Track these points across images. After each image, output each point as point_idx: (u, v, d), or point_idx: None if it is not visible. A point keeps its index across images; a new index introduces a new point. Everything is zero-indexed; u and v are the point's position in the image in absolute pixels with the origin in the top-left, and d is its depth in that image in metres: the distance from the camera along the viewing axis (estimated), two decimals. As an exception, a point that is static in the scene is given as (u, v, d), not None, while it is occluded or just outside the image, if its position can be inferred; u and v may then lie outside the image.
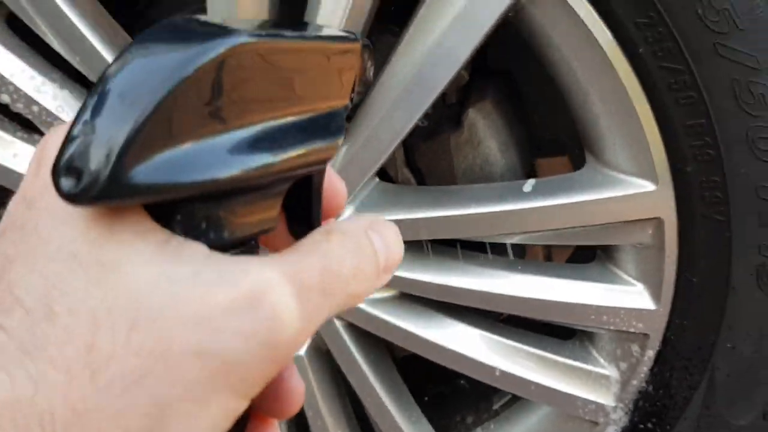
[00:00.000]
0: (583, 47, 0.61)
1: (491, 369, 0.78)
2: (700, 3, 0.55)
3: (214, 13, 0.62)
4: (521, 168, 0.79)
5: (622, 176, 0.67)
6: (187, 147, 0.23)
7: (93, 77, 0.70)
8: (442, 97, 0.78)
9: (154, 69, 0.22)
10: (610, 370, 0.78)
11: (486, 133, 0.76)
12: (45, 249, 0.23)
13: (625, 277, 0.73)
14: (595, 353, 0.79)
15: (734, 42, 0.56)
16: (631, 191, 0.66)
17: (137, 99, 0.21)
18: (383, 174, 0.79)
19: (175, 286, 0.22)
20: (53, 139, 0.26)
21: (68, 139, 0.22)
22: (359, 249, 0.27)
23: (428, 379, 0.95)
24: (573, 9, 0.59)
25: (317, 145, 0.28)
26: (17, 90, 0.72)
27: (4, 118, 0.76)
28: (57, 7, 0.67)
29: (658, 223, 0.67)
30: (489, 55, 0.88)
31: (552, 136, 0.90)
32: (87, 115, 0.22)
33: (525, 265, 0.76)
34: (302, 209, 0.31)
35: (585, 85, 0.64)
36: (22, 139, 0.76)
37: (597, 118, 0.65)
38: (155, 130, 0.21)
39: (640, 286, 0.72)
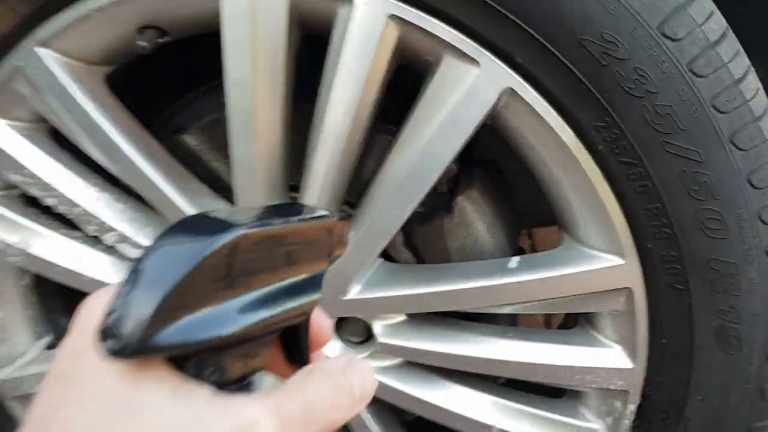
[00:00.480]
0: (553, 146, 0.71)
1: (488, 427, 0.86)
2: (646, 109, 0.65)
3: (234, 115, 0.72)
4: (508, 245, 0.88)
5: (594, 252, 0.76)
6: (198, 314, 0.30)
7: (128, 182, 0.80)
8: (434, 187, 0.88)
9: (173, 259, 0.29)
10: (597, 425, 0.86)
11: (474, 217, 0.86)
12: (88, 394, 0.30)
13: (605, 340, 0.82)
14: (583, 410, 0.87)
15: (678, 140, 0.66)
16: (602, 265, 0.75)
17: (160, 282, 0.29)
18: (386, 255, 0.88)
19: (184, 425, 0.30)
20: (94, 303, 0.33)
21: (110, 310, 0.29)
22: (336, 385, 0.35)
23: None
24: (542, 116, 0.69)
25: (301, 302, 0.36)
26: (61, 195, 0.82)
27: (47, 216, 0.86)
28: (95, 123, 0.77)
29: (628, 292, 0.76)
30: (474, 147, 0.98)
31: (544, 208, 1.00)
32: (124, 293, 0.29)
33: (515, 332, 0.85)
34: (293, 344, 0.39)
35: (557, 177, 0.74)
36: (63, 234, 0.86)
37: (569, 203, 0.75)
38: (173, 306, 0.29)
39: (618, 348, 0.81)
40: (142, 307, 0.28)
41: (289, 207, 0.42)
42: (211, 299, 0.31)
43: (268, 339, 0.35)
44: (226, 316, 0.31)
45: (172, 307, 0.29)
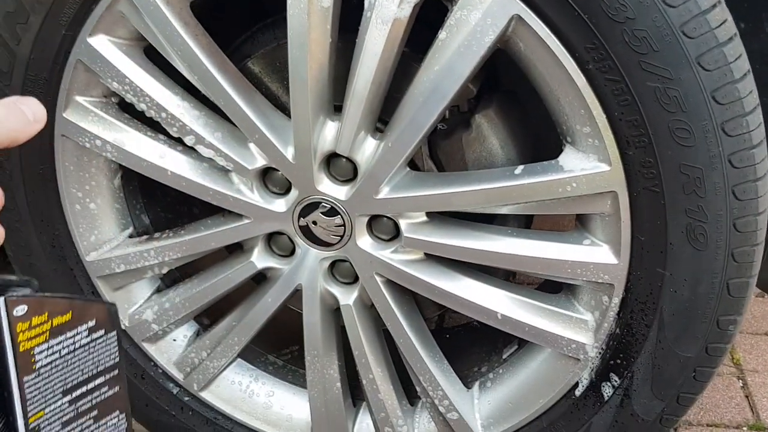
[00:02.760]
0: (552, 66, 0.86)
1: (494, 313, 1.02)
2: (626, 33, 0.80)
3: (293, 39, 0.89)
4: (517, 159, 1.03)
5: (587, 160, 0.90)
6: None
7: (205, 91, 0.98)
8: (456, 107, 1.04)
9: None
10: (587, 316, 1.01)
11: (489, 133, 1.01)
12: None
13: (594, 239, 0.96)
14: (576, 303, 1.02)
15: (652, 60, 0.80)
16: (593, 171, 0.90)
17: None
18: (413, 165, 1.04)
19: None
20: None
21: None
22: (9, 107, 0.47)
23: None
24: (543, 40, 0.84)
25: None
26: (151, 100, 1.00)
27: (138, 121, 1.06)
28: (182, 39, 0.95)
29: (614, 195, 0.90)
30: (502, 78, 1.13)
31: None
32: None
33: (519, 231, 1.00)
34: None
35: (556, 94, 0.89)
36: (151, 136, 1.05)
37: (566, 117, 0.90)
38: None
39: (605, 246, 0.95)
40: None
41: None
42: None
43: None
44: None
45: None
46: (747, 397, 1.57)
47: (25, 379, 0.50)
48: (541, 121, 0.98)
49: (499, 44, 0.88)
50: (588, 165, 0.90)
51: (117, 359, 0.56)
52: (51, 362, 0.51)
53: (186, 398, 1.23)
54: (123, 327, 1.19)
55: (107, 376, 0.55)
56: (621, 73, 0.82)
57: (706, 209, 0.87)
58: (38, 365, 0.51)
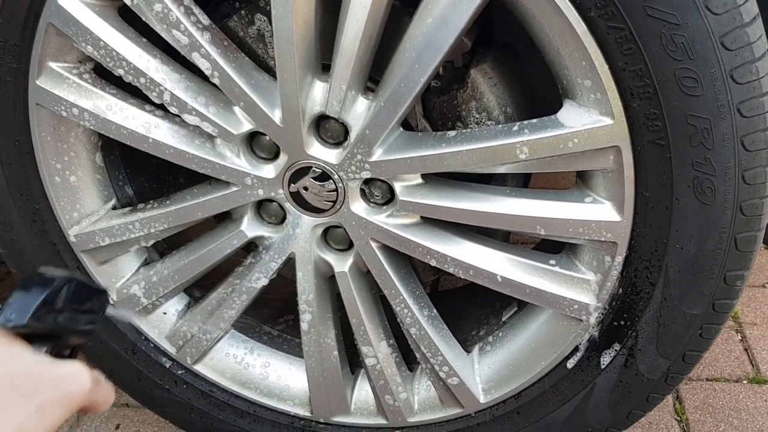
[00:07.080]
0: (551, 15, 0.81)
1: (494, 275, 0.99)
2: (630, -23, 0.75)
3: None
4: (516, 115, 0.99)
5: (588, 115, 0.87)
6: None
7: (186, 53, 0.93)
8: (451, 63, 0.99)
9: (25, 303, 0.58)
10: (589, 276, 0.98)
11: (485, 89, 0.97)
12: None
13: (596, 196, 0.93)
14: (578, 263, 0.99)
15: (658, 4, 0.76)
16: (594, 125, 0.86)
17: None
18: (406, 124, 1.00)
19: (39, 367, 0.55)
20: None
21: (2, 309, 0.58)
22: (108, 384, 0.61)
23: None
24: (541, -14, 0.79)
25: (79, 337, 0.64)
26: (129, 64, 0.95)
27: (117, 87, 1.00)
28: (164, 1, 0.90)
29: (617, 150, 0.87)
30: (494, 32, 1.09)
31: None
32: (9, 307, 0.58)
33: (519, 191, 0.96)
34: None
35: (556, 46, 0.84)
36: (131, 103, 1.00)
37: (567, 69, 0.85)
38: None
39: (608, 204, 0.92)
40: (18, 312, 0.58)
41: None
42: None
43: (74, 340, 0.63)
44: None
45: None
46: (746, 350, 1.57)
47: None
48: (541, 75, 0.94)
49: (494, -7, 0.83)
50: (589, 119, 0.86)
51: None
52: None
53: (180, 372, 1.21)
54: (111, 302, 1.15)
55: None
56: (625, 20, 0.78)
57: (714, 161, 0.83)
58: None
